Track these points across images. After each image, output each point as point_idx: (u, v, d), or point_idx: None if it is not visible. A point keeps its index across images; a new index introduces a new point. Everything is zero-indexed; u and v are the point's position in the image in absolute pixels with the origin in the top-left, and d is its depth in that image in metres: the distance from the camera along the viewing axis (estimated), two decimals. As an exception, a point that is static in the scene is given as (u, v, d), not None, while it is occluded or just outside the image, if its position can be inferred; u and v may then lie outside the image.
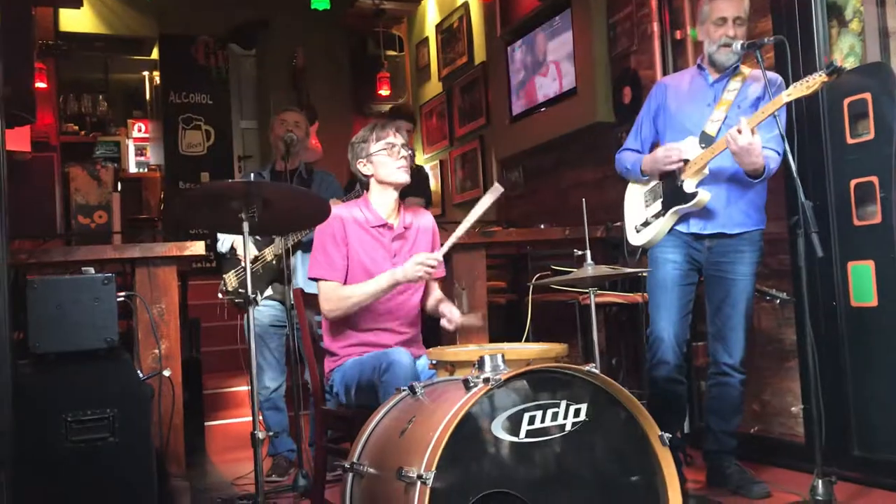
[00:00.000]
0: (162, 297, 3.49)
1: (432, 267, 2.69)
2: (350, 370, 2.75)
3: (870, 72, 3.19)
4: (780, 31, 3.45)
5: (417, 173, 4.64)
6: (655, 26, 4.37)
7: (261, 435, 2.36)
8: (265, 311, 3.86)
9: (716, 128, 3.00)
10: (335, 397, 2.83)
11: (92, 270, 2.72)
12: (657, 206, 3.13)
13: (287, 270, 3.65)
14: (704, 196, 2.97)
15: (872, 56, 3.23)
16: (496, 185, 2.82)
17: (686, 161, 3.01)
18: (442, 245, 2.85)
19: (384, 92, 8.12)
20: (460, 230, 2.82)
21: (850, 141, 3.23)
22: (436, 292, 3.01)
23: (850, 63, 3.33)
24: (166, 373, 3.04)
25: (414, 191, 4.41)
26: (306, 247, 3.75)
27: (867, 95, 3.15)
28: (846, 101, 3.23)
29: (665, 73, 4.28)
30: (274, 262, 3.79)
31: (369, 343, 2.83)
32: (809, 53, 3.37)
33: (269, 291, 3.86)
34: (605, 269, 2.78)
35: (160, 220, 8.93)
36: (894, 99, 3.08)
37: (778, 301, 3.50)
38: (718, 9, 3.03)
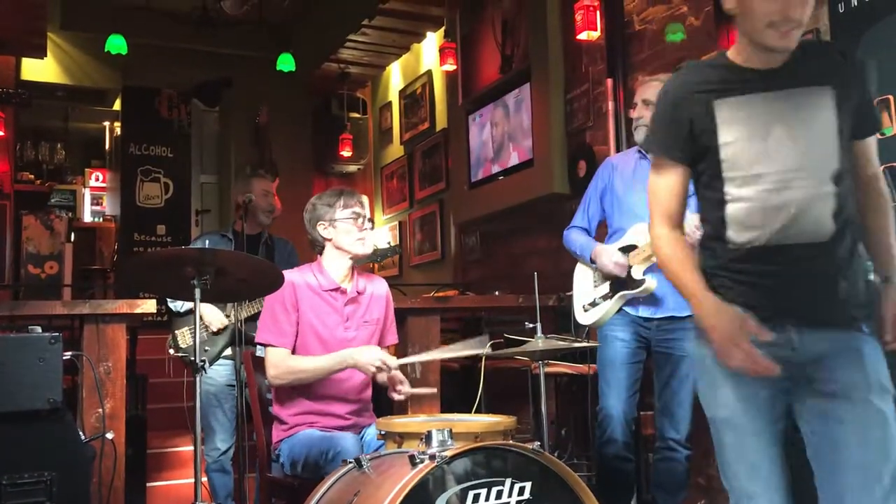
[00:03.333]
0: (109, 354, 3.43)
1: (386, 369, 2.72)
2: (298, 445, 2.72)
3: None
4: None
5: None
6: (610, 104, 4.52)
7: (203, 506, 2.32)
8: (222, 370, 3.80)
9: None
10: (281, 466, 2.79)
11: (39, 329, 2.67)
12: (605, 287, 3.19)
13: (240, 332, 3.61)
14: (651, 283, 3.04)
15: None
16: (487, 348, 2.84)
17: (634, 247, 3.10)
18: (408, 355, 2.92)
19: (346, 153, 8.20)
20: (429, 356, 2.93)
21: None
22: None
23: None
24: (109, 435, 2.98)
25: None
26: None
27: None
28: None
29: (619, 149, 4.41)
30: (240, 324, 3.75)
31: (319, 412, 2.80)
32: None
33: (227, 352, 3.82)
34: (554, 343, 2.82)
35: (112, 271, 8.81)
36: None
37: (724, 377, 3.56)
38: (650, 91, 3.14)
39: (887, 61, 3.00)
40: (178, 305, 3.88)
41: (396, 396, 2.85)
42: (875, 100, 3.01)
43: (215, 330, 3.72)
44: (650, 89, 3.13)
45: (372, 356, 2.73)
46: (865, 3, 3.10)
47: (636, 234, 3.11)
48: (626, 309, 3.15)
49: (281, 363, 2.78)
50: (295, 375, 2.77)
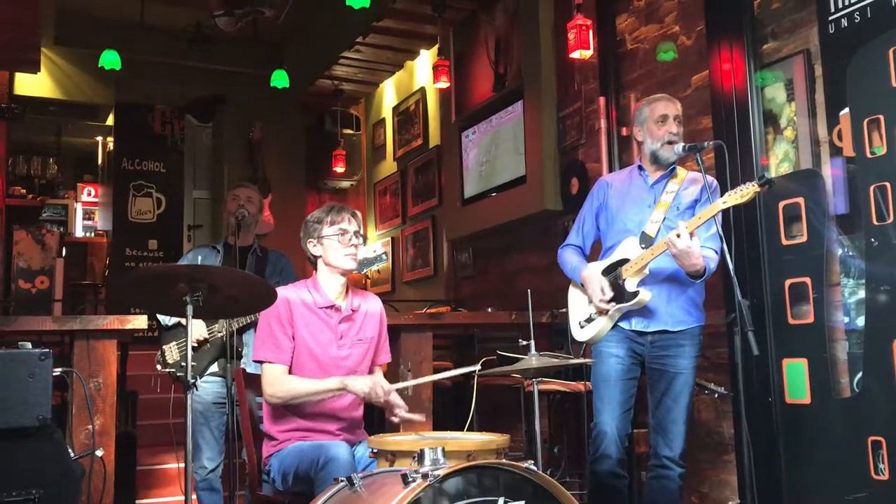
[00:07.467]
0: (100, 370, 3.41)
1: (378, 394, 2.74)
2: (288, 458, 2.70)
3: (802, 178, 3.35)
4: (719, 135, 3.62)
5: None
6: (602, 122, 4.55)
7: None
8: (209, 387, 3.78)
9: (655, 228, 3.11)
10: (272, 483, 2.77)
11: (29, 345, 2.64)
12: None
13: (230, 348, 3.59)
14: (645, 295, 3.05)
15: (805, 162, 3.40)
16: (478, 366, 2.87)
17: (627, 261, 3.11)
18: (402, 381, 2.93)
19: (339, 169, 8.22)
20: (424, 379, 2.95)
21: (784, 242, 3.37)
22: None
23: (784, 168, 3.50)
24: (99, 452, 2.95)
25: None
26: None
27: (800, 200, 3.31)
28: (781, 205, 3.38)
29: (611, 167, 4.44)
30: (224, 337, 3.74)
31: (310, 429, 2.79)
32: (747, 157, 3.53)
33: (213, 367, 3.79)
34: (548, 360, 2.81)
35: (104, 286, 8.77)
36: (824, 204, 3.24)
37: (717, 395, 3.57)
38: (660, 108, 3.18)
39: (876, 81, 3.03)
40: (167, 318, 3.86)
41: (394, 420, 2.86)
42: (865, 119, 3.03)
43: (194, 343, 3.68)
44: (667, 106, 3.17)
45: (364, 383, 2.74)
46: (855, 24, 3.13)
47: (627, 248, 3.13)
48: (620, 324, 3.15)
49: (279, 381, 2.77)
50: (292, 394, 2.76)
